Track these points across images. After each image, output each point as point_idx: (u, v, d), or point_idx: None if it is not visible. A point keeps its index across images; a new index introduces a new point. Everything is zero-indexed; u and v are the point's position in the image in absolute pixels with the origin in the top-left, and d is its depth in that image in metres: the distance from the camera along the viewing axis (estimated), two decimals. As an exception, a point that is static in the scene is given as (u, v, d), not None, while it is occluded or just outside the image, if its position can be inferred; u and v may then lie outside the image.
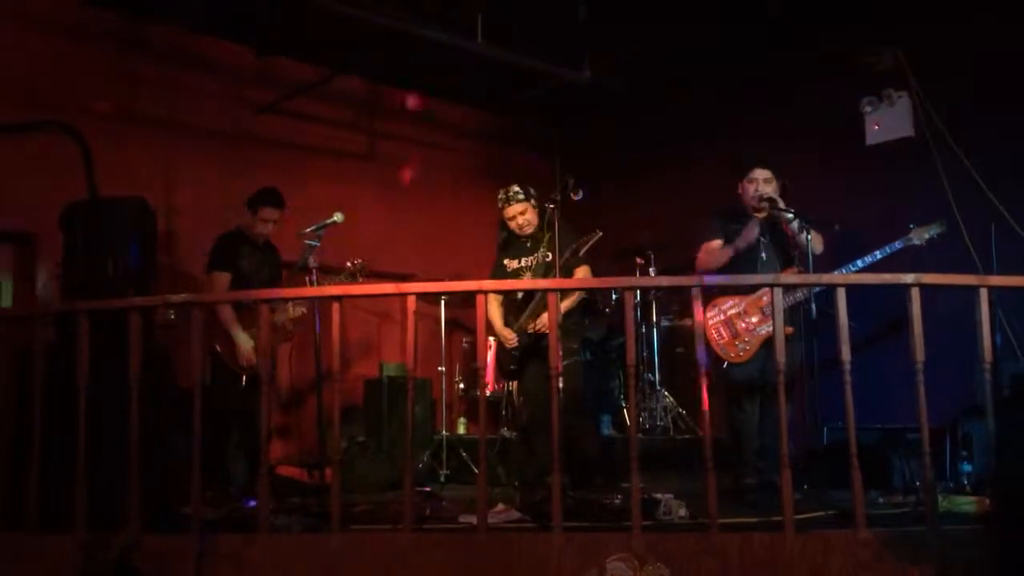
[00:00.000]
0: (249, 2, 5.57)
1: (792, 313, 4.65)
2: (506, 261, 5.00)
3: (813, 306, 4.67)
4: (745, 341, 4.75)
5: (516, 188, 4.90)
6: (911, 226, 4.77)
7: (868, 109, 6.06)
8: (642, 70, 6.70)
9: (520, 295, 4.85)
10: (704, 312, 4.74)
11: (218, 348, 5.01)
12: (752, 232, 4.79)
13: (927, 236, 4.71)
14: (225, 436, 4.89)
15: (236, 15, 5.91)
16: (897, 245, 4.70)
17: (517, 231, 4.94)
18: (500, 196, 4.94)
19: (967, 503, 4.01)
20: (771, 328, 4.63)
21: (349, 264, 5.07)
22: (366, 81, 7.07)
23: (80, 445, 3.60)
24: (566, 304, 4.77)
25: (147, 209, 4.42)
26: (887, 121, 6.01)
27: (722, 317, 4.81)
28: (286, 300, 4.88)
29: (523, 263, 4.93)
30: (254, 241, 5.21)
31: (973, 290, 3.48)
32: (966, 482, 4.62)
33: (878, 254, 4.68)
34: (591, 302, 6.58)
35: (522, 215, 4.89)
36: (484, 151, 7.86)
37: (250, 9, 5.74)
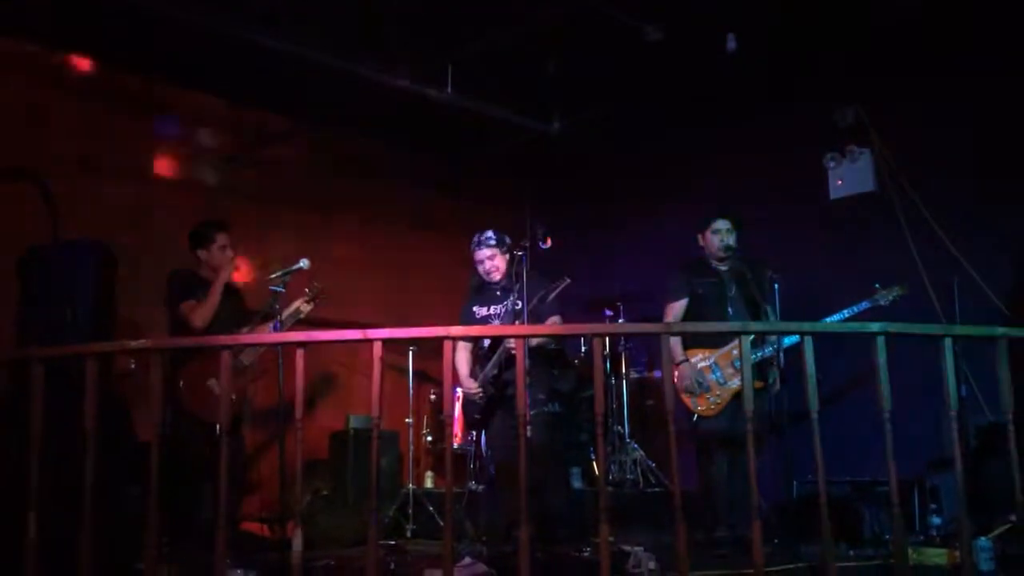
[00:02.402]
0: (218, 52, 5.57)
1: (761, 368, 4.67)
2: (475, 308, 4.99)
3: (781, 356, 4.69)
4: (716, 395, 4.74)
5: (489, 233, 4.92)
6: (876, 286, 4.83)
7: (831, 164, 6.18)
8: (609, 124, 6.79)
9: (487, 344, 4.83)
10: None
11: (186, 401, 4.75)
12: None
13: (891, 297, 4.77)
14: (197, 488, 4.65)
15: (206, 65, 5.91)
16: (864, 305, 4.76)
17: (484, 276, 4.94)
18: (473, 239, 4.95)
19: (937, 555, 3.99)
20: (741, 382, 4.64)
21: (307, 289, 4.94)
22: (335, 131, 7.08)
23: (32, 497, 3.47)
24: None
25: (108, 254, 4.35)
26: (850, 176, 6.12)
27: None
28: (250, 347, 4.78)
29: (492, 311, 4.92)
30: (209, 280, 4.99)
31: (938, 340, 3.50)
32: (935, 534, 4.60)
33: (845, 313, 4.73)
34: (560, 352, 6.55)
35: (490, 260, 4.89)
36: (456, 202, 7.87)
37: (219, 59, 5.75)
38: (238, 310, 5.05)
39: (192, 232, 5.06)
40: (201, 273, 5.04)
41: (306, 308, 4.91)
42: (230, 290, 5.12)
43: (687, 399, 4.75)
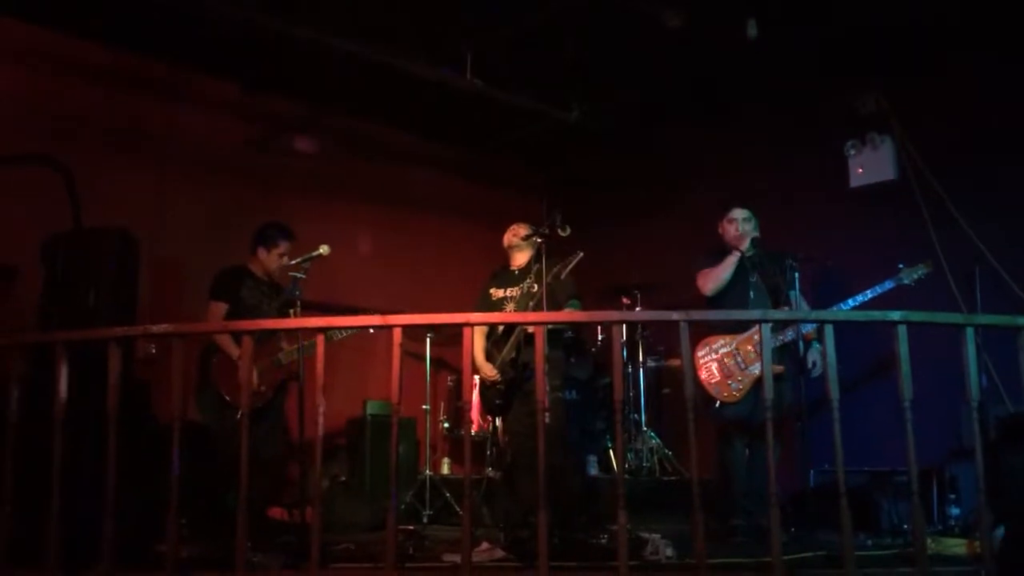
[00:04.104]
0: (238, 38, 5.58)
1: (782, 353, 4.65)
2: (492, 290, 5.02)
3: (801, 346, 4.67)
4: (738, 380, 4.72)
5: (525, 232, 4.98)
6: (900, 266, 4.81)
7: (852, 152, 6.13)
8: (629, 112, 6.76)
9: (501, 329, 4.83)
10: (695, 351, 4.75)
11: (221, 388, 4.86)
12: (730, 261, 4.83)
13: (916, 276, 4.75)
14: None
15: (225, 51, 5.93)
16: (888, 284, 4.74)
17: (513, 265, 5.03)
18: (510, 231, 5.01)
19: (956, 545, 3.98)
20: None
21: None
22: (354, 118, 7.09)
23: (55, 480, 3.52)
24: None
25: (130, 239, 4.38)
26: (870, 164, 6.07)
27: (714, 356, 4.79)
28: (270, 331, 4.82)
29: (508, 293, 4.93)
30: (258, 277, 5.17)
31: (959, 329, 3.48)
32: (954, 524, 4.58)
33: (869, 293, 4.72)
34: (577, 340, 6.56)
35: (520, 253, 4.96)
36: (471, 190, 7.87)
37: (239, 45, 5.76)
38: (281, 303, 5.07)
39: (259, 229, 5.19)
40: (251, 267, 5.18)
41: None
42: (269, 284, 5.17)
43: (709, 387, 4.74)
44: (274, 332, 4.95)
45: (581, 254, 4.52)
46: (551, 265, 4.53)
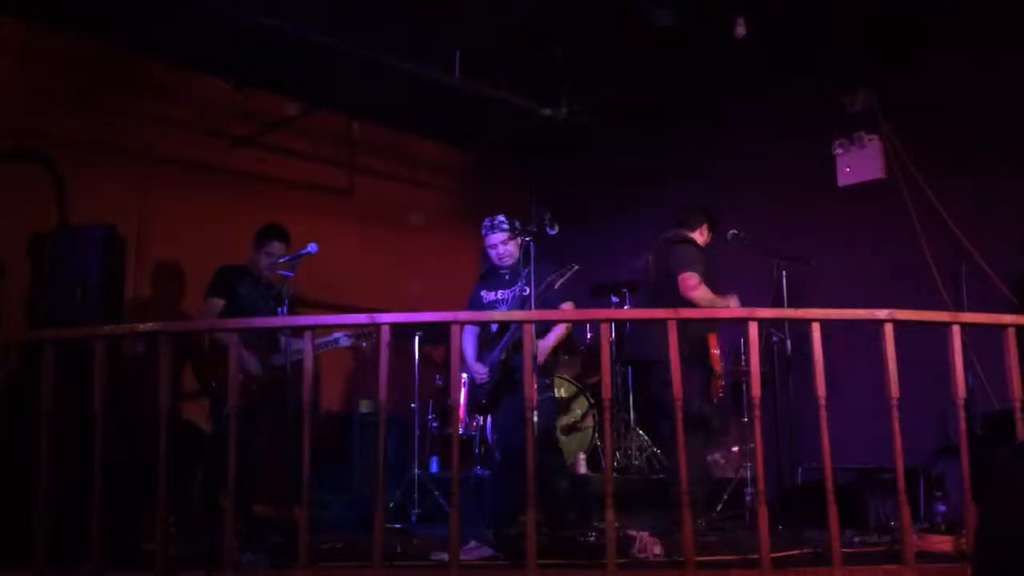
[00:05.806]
0: (226, 35, 5.56)
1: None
2: (483, 292, 4.97)
3: (788, 344, 4.70)
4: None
5: (502, 217, 4.87)
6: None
7: (840, 151, 6.15)
8: (617, 109, 6.76)
9: (494, 328, 4.82)
10: (710, 350, 4.77)
11: (214, 385, 4.86)
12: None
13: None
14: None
15: (214, 47, 5.90)
16: None
17: (496, 260, 4.91)
18: (485, 223, 4.91)
19: (942, 542, 3.99)
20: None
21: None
22: (343, 115, 7.08)
23: (42, 478, 3.50)
24: (553, 339, 4.74)
25: (117, 237, 4.37)
26: (858, 163, 6.09)
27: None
28: (255, 329, 4.80)
29: (499, 295, 4.90)
30: (258, 275, 5.16)
31: (945, 327, 3.50)
32: (940, 521, 4.61)
33: None
34: (566, 339, 6.54)
35: (503, 244, 4.85)
36: (460, 187, 7.87)
37: (228, 42, 5.73)
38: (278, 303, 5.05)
39: (259, 230, 5.22)
40: (250, 266, 5.19)
41: (345, 341, 4.99)
42: (268, 283, 5.16)
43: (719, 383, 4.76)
44: (269, 330, 4.94)
45: (576, 267, 4.49)
46: (543, 268, 4.51)
